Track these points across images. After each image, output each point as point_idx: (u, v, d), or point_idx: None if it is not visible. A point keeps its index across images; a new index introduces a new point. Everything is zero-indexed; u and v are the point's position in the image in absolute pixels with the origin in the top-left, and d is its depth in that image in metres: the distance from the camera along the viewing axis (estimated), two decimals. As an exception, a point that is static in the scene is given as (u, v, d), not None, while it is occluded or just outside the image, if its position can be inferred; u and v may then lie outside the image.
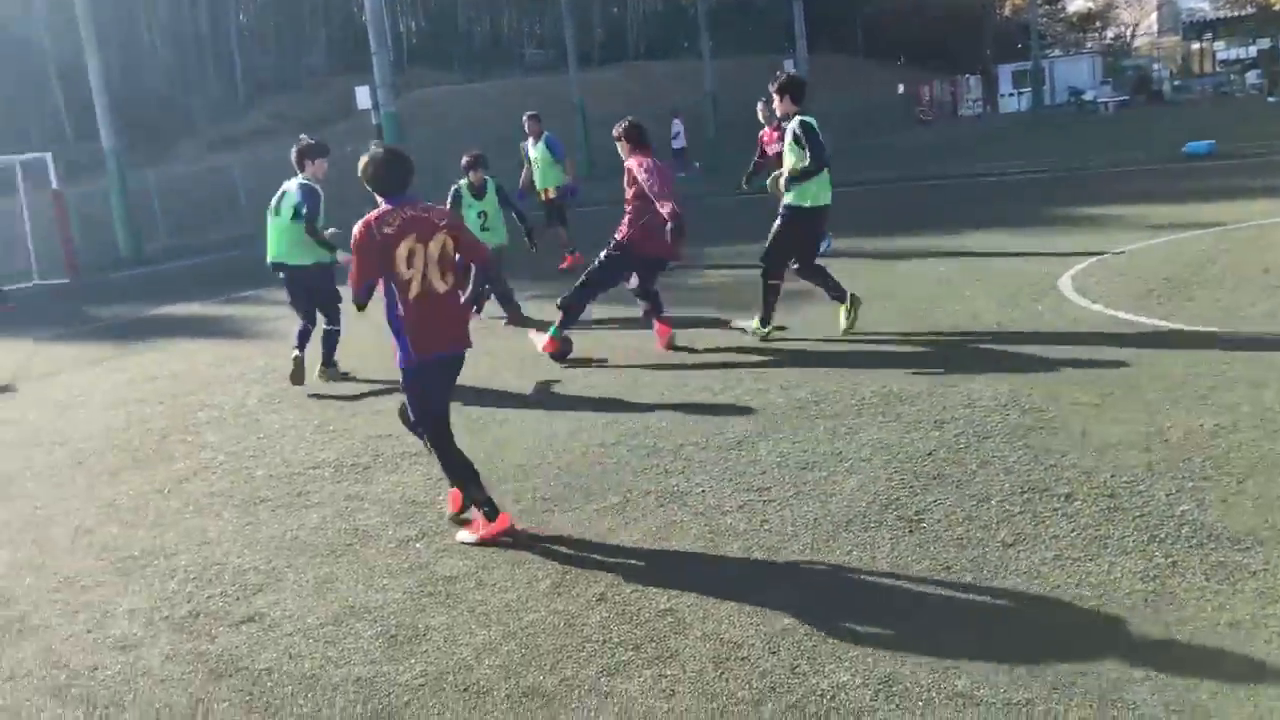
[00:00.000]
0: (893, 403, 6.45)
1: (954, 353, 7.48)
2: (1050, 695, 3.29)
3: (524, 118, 14.53)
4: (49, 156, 22.55)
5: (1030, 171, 20.77)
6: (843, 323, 8.46)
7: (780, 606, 4.03)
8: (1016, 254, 11.19)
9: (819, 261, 8.67)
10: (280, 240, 8.52)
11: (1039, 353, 7.20)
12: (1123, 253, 10.60)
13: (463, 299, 5.30)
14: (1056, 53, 65.89)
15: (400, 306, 4.79)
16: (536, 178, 14.50)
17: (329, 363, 8.88)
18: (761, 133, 12.00)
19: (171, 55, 42.78)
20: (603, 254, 8.44)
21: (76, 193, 26.02)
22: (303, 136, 8.99)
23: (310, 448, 6.94)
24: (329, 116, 39.81)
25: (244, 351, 10.73)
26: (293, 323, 8.94)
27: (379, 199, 4.89)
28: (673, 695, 3.52)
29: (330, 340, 8.86)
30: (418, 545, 5.06)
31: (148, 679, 4.03)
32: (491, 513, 4.96)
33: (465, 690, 3.70)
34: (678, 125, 32.39)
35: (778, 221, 8.43)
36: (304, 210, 8.28)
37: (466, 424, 7.03)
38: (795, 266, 8.55)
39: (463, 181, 10.57)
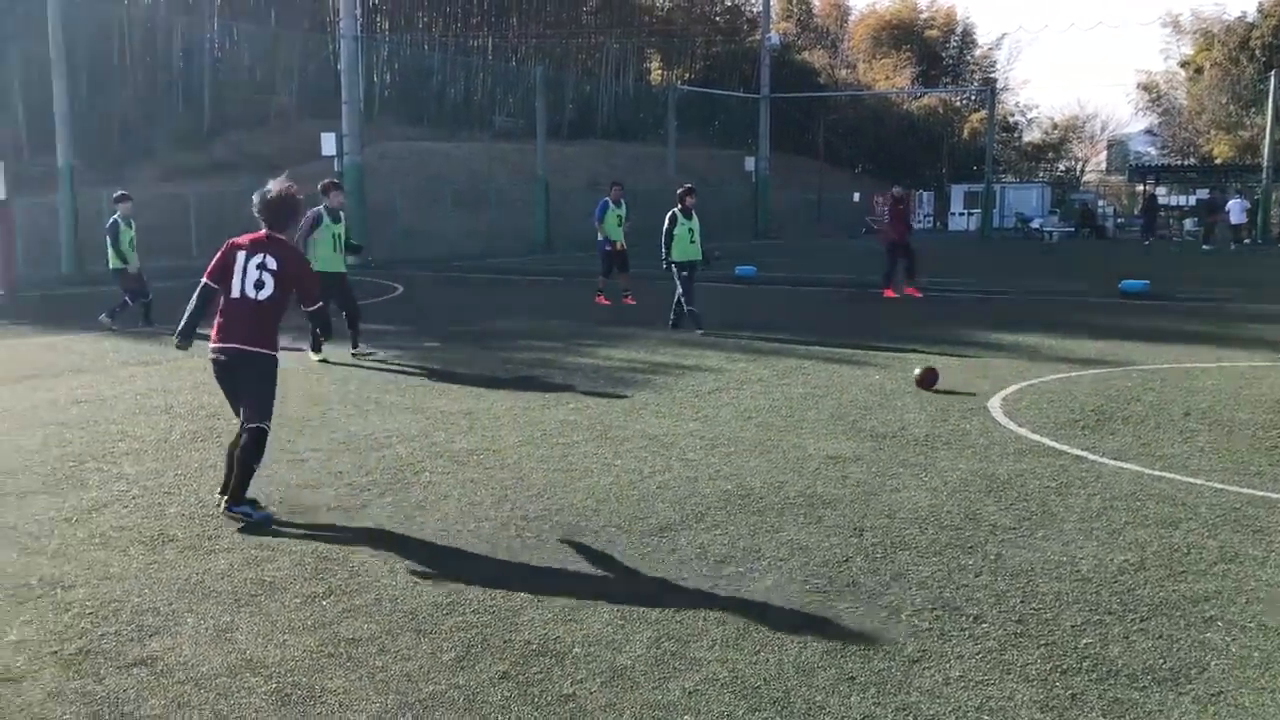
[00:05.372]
0: (816, 505, 6.51)
1: (880, 460, 7.58)
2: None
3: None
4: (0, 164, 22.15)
5: (974, 291, 21.26)
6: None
7: (682, 702, 4.01)
8: (952, 369, 11.42)
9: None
10: None
11: (962, 470, 7.32)
12: (1053, 380, 10.86)
13: None
14: (1009, 178, 67.80)
15: None
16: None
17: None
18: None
19: (142, 80, 42.52)
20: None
21: (25, 204, 25.59)
22: None
23: (228, 491, 6.81)
24: (292, 158, 39.62)
25: (174, 383, 10.55)
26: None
27: None
28: (564, 783, 3.47)
29: None
30: (324, 603, 4.98)
31: (24, 716, 3.90)
32: None
33: (354, 758, 3.62)
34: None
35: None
36: None
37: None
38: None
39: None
